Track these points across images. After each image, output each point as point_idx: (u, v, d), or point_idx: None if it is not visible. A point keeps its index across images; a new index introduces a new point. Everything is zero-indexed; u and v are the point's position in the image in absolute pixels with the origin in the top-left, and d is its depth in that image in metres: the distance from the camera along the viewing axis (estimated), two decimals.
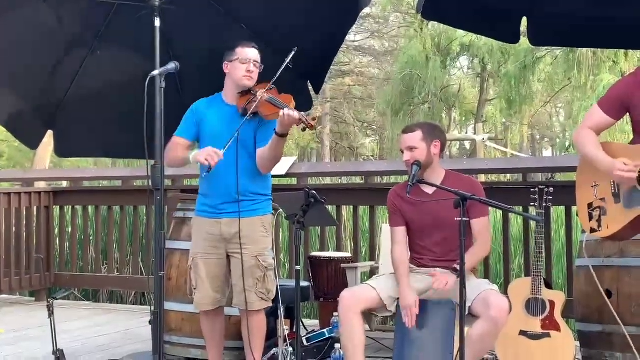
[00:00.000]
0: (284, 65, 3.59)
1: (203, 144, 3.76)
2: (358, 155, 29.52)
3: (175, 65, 3.22)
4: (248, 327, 3.72)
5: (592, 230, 3.09)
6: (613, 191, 2.99)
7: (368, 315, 3.86)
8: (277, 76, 3.62)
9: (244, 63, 3.70)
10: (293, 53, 3.60)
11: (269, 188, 3.86)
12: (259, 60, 3.75)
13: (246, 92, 3.73)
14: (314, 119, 3.51)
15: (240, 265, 3.68)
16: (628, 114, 3.03)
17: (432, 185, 3.51)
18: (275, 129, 3.57)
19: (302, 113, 3.51)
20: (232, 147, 3.57)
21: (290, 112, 3.46)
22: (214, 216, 3.75)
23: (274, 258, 3.84)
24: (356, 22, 4.80)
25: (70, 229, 7.10)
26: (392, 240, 3.73)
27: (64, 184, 8.34)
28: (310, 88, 4.83)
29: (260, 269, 3.71)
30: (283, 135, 3.57)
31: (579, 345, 4.01)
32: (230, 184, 3.66)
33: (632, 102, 2.96)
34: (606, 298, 3.68)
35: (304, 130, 3.61)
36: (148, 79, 3.09)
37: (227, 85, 3.80)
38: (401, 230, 3.71)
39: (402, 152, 3.67)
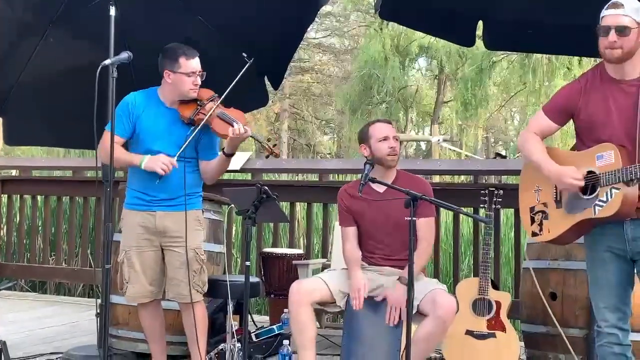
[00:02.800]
0: (236, 80, 3.60)
1: (139, 143, 3.71)
2: (315, 152, 29.53)
3: (128, 55, 3.17)
4: (194, 319, 3.71)
5: (534, 234, 3.14)
6: (554, 197, 3.04)
7: (318, 312, 3.88)
8: (227, 91, 3.62)
9: (191, 76, 3.65)
10: (248, 65, 3.61)
11: (201, 186, 3.88)
12: (201, 68, 3.70)
13: (191, 100, 3.69)
14: (274, 145, 3.59)
15: (177, 258, 3.70)
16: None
17: (383, 184, 3.53)
18: (223, 150, 3.63)
19: (264, 140, 3.59)
20: (176, 152, 3.60)
21: (240, 129, 3.51)
22: (147, 209, 3.73)
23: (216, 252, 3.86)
24: (317, 20, 4.82)
25: (18, 219, 6.95)
26: (342, 239, 3.75)
27: (13, 172, 8.16)
28: (269, 84, 4.82)
29: (198, 262, 3.74)
30: (231, 155, 3.64)
31: (523, 345, 4.09)
32: (168, 185, 3.65)
33: (575, 109, 3.01)
34: (545, 302, 3.75)
35: (267, 157, 3.66)
36: (99, 68, 3.05)
37: (166, 89, 3.72)
38: (351, 230, 3.73)
39: (384, 139, 3.65)
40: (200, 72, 3.67)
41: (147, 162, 3.57)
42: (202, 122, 3.59)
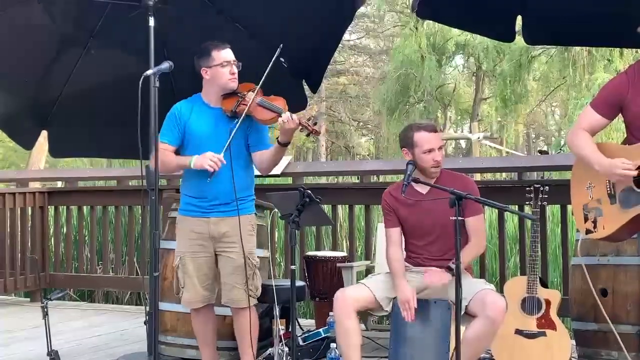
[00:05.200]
0: (271, 64, 3.60)
1: (188, 147, 3.75)
2: (354, 154, 29.51)
3: (169, 64, 3.21)
4: (250, 323, 3.74)
5: (588, 232, 3.08)
6: (609, 192, 2.98)
7: (364, 314, 3.86)
8: (264, 78, 3.61)
9: (225, 66, 3.68)
10: (279, 51, 3.60)
11: (253, 188, 3.90)
12: (235, 59, 3.73)
13: (231, 94, 3.72)
14: (315, 124, 3.55)
15: (230, 263, 3.73)
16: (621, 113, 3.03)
17: (427, 184, 3.50)
18: (277, 139, 3.62)
19: (302, 117, 3.53)
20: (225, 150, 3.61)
21: (289, 116, 3.49)
22: (201, 215, 3.75)
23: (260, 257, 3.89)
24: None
25: (65, 230, 7.07)
26: (387, 242, 3.71)
27: (59, 184, 8.32)
28: (307, 87, 4.82)
29: (250, 267, 3.75)
30: (286, 144, 3.61)
31: (574, 343, 4.02)
32: (221, 186, 3.68)
33: (624, 102, 2.95)
34: (597, 298, 3.67)
35: (308, 135, 3.64)
36: (142, 78, 3.08)
37: (207, 88, 3.77)
38: (396, 232, 3.69)
39: (429, 152, 3.55)
40: (234, 61, 3.70)
41: (196, 161, 3.61)
42: (244, 112, 3.61)
